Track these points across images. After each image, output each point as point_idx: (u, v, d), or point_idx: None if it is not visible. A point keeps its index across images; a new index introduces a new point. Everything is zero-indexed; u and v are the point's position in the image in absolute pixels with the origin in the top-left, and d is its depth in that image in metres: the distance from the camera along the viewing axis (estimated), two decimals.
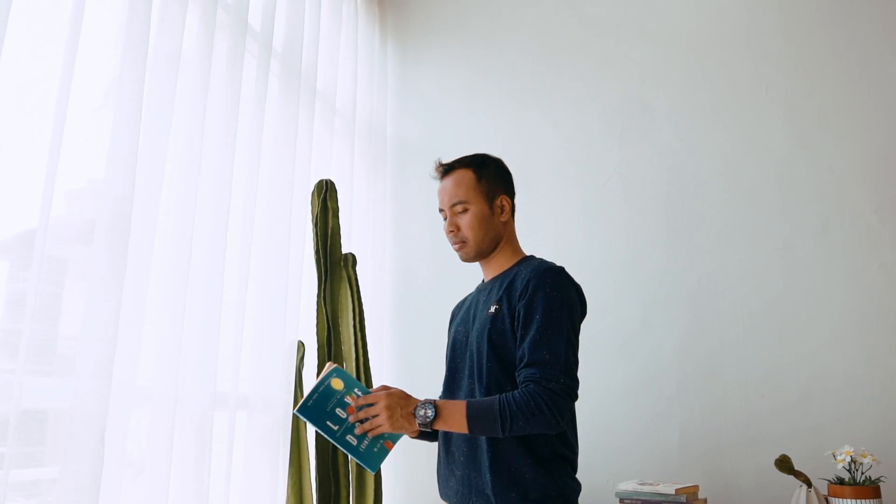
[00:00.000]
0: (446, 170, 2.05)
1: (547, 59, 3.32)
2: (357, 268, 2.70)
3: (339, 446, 1.76)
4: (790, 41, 2.96)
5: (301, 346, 2.51)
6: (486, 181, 2.01)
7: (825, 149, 2.84)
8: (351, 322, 2.61)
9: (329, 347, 2.58)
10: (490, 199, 2.01)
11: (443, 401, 1.78)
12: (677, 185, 3.00)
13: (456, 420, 1.75)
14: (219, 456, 2.13)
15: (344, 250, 2.77)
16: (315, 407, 1.73)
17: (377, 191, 3.36)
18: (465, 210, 1.99)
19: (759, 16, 3.03)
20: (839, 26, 2.91)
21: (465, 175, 2.01)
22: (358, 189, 3.20)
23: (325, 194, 2.64)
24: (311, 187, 2.67)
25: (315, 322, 2.60)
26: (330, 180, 2.67)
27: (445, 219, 2.04)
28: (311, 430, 2.52)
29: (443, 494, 1.96)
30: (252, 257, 2.34)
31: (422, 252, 3.33)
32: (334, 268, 2.64)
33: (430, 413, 1.74)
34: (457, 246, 2.01)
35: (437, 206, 3.09)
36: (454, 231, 2.00)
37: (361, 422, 1.77)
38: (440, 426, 1.76)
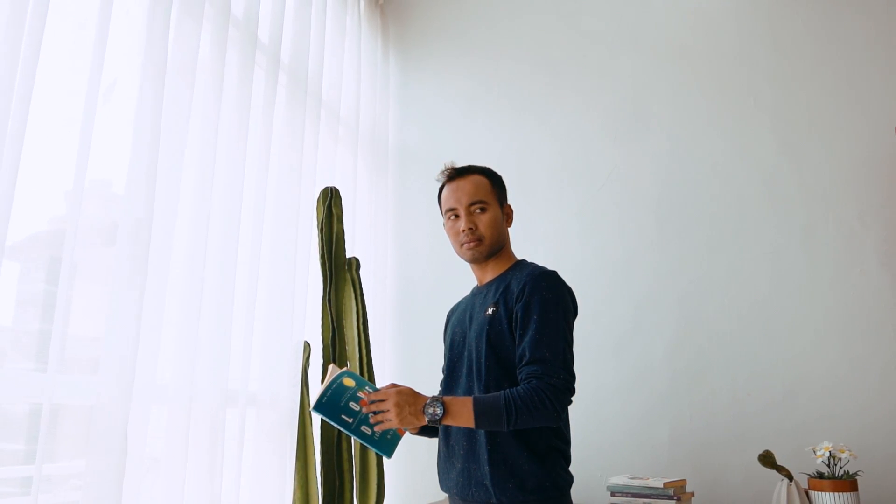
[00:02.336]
0: (460, 172, 2.14)
1: (543, 68, 3.43)
2: (360, 271, 2.81)
3: (354, 437, 1.88)
4: (778, 54, 3.08)
5: (307, 346, 2.62)
6: (497, 189, 2.14)
7: (810, 157, 2.95)
8: (354, 323, 2.72)
9: (333, 347, 2.69)
10: (501, 205, 2.13)
11: (450, 398, 1.89)
12: (668, 192, 3.12)
13: (464, 416, 1.85)
14: (230, 450, 2.25)
15: (348, 254, 2.88)
16: (329, 403, 1.85)
17: (379, 196, 3.47)
18: (484, 210, 2.08)
19: (748, 28, 3.15)
20: (825, 40, 3.03)
21: (482, 180, 2.12)
22: (361, 195, 3.31)
23: (330, 201, 2.76)
24: (317, 193, 2.78)
25: (320, 323, 2.71)
26: (335, 187, 2.79)
27: (454, 218, 2.11)
28: (316, 426, 2.64)
29: (443, 486, 2.07)
30: (261, 262, 2.45)
31: (422, 255, 3.45)
32: (339, 271, 2.76)
33: (439, 411, 1.85)
34: (472, 244, 2.07)
35: (436, 210, 3.20)
36: (472, 229, 2.07)
37: (375, 413, 1.88)
38: (448, 422, 1.87)
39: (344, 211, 2.84)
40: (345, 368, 1.94)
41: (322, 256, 2.74)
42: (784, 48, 3.07)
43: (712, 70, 3.15)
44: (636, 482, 2.54)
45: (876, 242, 2.82)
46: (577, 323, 2.06)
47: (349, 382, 1.88)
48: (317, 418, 2.63)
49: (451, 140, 3.52)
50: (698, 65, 3.18)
